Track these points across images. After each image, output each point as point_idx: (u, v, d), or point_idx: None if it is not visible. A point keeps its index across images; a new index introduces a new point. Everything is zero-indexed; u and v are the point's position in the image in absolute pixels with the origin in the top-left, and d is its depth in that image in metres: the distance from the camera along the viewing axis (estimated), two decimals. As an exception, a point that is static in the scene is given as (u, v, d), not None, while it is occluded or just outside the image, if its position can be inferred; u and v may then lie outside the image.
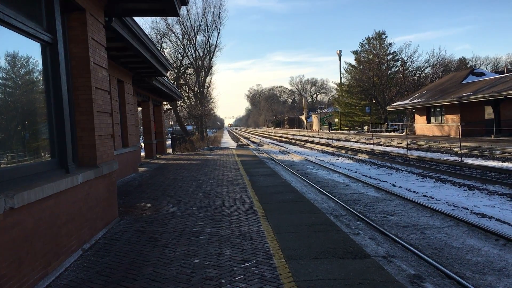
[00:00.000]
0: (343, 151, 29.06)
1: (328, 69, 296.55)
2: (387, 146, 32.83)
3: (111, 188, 7.76)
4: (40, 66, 5.84)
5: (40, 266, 4.79)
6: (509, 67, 58.01)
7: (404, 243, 6.99)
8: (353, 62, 73.32)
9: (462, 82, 41.56)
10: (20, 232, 4.38)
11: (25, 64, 5.69)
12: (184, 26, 53.72)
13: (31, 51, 5.62)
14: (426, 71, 65.33)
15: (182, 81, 54.94)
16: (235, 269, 5.13)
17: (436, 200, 11.14)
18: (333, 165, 21.02)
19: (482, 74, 43.60)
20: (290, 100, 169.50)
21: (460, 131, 27.04)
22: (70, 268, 5.41)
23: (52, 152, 5.95)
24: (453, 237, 7.64)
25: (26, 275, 4.45)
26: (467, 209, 9.89)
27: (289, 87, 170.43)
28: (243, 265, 5.24)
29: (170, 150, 33.62)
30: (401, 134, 46.38)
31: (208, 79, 60.85)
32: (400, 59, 65.51)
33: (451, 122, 38.18)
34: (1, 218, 4.03)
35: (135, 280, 4.91)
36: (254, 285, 4.59)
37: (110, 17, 8.47)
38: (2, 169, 4.65)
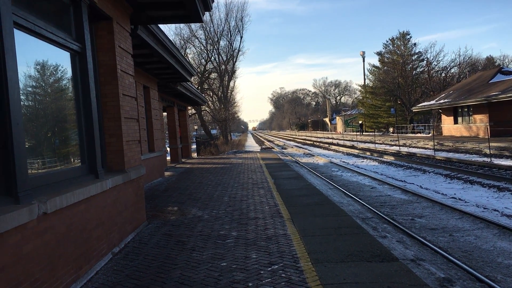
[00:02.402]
0: (368, 153, 28.78)
1: (352, 70, 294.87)
2: (413, 147, 32.36)
3: (139, 193, 7.89)
4: (68, 74, 6.00)
5: (72, 269, 4.91)
6: (539, 64, 56.42)
7: (433, 246, 6.89)
8: (377, 63, 72.67)
9: (490, 81, 40.62)
10: (53, 236, 4.51)
11: (54, 72, 5.85)
12: (207, 31, 54.28)
13: (60, 59, 5.77)
14: (452, 70, 64.17)
15: (206, 86, 55.40)
16: (262, 272, 5.15)
17: (465, 202, 10.93)
18: (358, 167, 20.85)
19: (511, 73, 42.50)
20: (314, 103, 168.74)
21: (488, 131, 26.49)
22: (100, 272, 5.52)
23: (82, 158, 6.10)
24: (483, 240, 7.49)
25: (59, 278, 4.57)
26: (498, 211, 9.68)
27: (313, 90, 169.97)
28: (269, 269, 5.26)
29: (195, 154, 33.91)
30: (428, 135, 45.64)
31: (231, 83, 61.25)
32: (425, 59, 64.50)
33: (479, 122, 37.37)
34: (35, 223, 4.15)
35: (163, 283, 4.98)
36: (281, 288, 4.60)
37: (136, 25, 8.64)
38: (35, 175, 4.79)
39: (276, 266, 5.33)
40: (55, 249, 4.53)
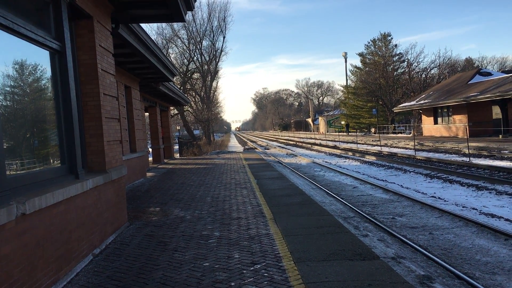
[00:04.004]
0: (350, 153, 29.01)
1: (334, 71, 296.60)
2: (394, 147, 32.73)
3: (120, 193, 7.82)
4: (48, 74, 5.92)
5: (52, 271, 4.84)
6: (516, 66, 57.57)
7: (413, 244, 6.98)
8: (359, 64, 73.42)
9: (469, 82, 41.36)
10: (32, 237, 4.44)
11: (33, 72, 5.76)
12: (189, 31, 54.04)
13: (39, 59, 5.69)
14: (432, 71, 65.06)
15: (188, 86, 55.15)
16: (244, 272, 5.15)
17: (445, 200, 11.10)
18: (340, 167, 21.00)
19: (489, 74, 43.34)
20: (297, 103, 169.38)
21: (467, 131, 26.93)
22: (81, 273, 5.46)
23: (62, 158, 6.02)
24: (462, 238, 7.61)
25: (39, 280, 4.50)
26: (476, 209, 9.85)
27: (295, 90, 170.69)
28: (252, 268, 5.27)
29: (178, 154, 33.74)
30: (409, 135, 46.22)
31: (214, 84, 61.11)
32: (406, 60, 65.31)
33: (459, 123, 37.99)
34: (13, 224, 4.09)
35: (145, 284, 4.95)
36: (263, 288, 4.61)
37: (117, 23, 8.55)
38: (14, 175, 4.71)
39: (259, 266, 5.34)
40: (34, 250, 4.46)
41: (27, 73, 5.61)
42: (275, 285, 4.66)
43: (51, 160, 6.04)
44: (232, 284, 4.77)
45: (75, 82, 6.40)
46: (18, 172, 5.04)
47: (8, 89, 5.08)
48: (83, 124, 6.80)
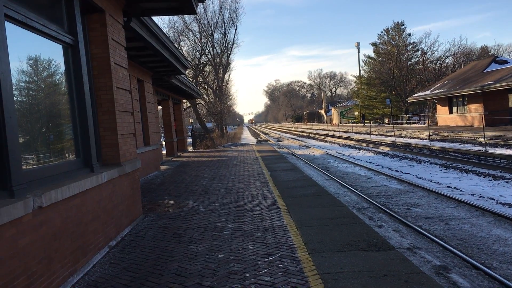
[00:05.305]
0: (364, 144, 28.83)
1: (347, 62, 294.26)
2: (408, 138, 32.44)
3: (135, 186, 7.87)
4: (61, 68, 5.95)
5: (69, 263, 4.90)
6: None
7: (428, 235, 6.92)
8: (372, 54, 72.79)
9: (485, 71, 40.72)
10: (48, 230, 4.49)
11: (47, 67, 5.80)
12: (201, 24, 54.03)
13: (53, 53, 5.73)
14: (447, 60, 64.23)
15: (200, 79, 55.23)
16: (259, 263, 5.16)
17: (461, 191, 10.98)
18: (354, 158, 20.89)
19: (505, 62, 42.58)
20: (309, 95, 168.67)
21: (483, 120, 26.54)
22: (97, 265, 5.52)
23: (77, 152, 6.07)
24: (478, 228, 7.53)
25: (56, 271, 4.56)
26: (493, 199, 9.73)
27: (308, 82, 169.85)
28: (267, 259, 5.27)
29: (191, 147, 33.86)
30: (423, 126, 45.76)
31: (226, 76, 61.13)
32: (420, 49, 64.58)
33: (474, 112, 37.48)
34: (30, 216, 4.14)
35: (161, 275, 4.98)
36: (278, 278, 4.61)
37: (129, 17, 8.56)
38: (30, 169, 4.76)
39: (273, 257, 5.34)
40: (51, 243, 4.51)
41: (41, 68, 5.64)
42: (290, 276, 4.66)
43: (66, 154, 6.09)
44: (247, 275, 4.78)
45: (88, 76, 6.44)
46: (34, 166, 5.09)
47: (23, 84, 5.12)
48: (97, 118, 6.84)
